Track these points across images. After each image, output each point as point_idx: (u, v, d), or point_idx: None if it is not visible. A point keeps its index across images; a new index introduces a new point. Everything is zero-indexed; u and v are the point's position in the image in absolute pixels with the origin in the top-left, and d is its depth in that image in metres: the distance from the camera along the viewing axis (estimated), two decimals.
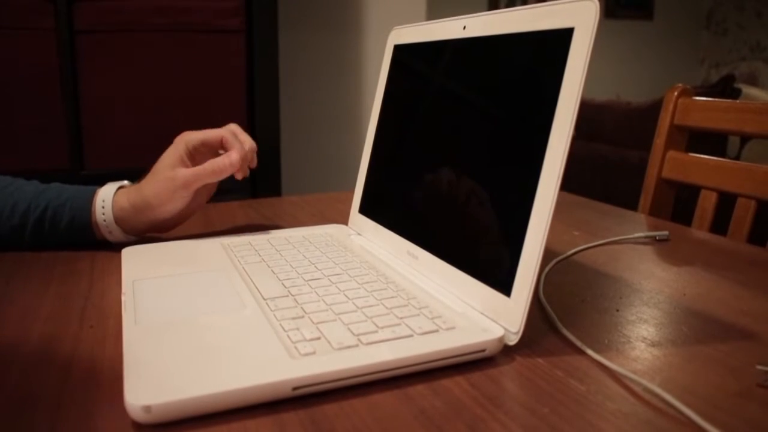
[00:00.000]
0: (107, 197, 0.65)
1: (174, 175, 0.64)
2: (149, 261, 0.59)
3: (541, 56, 0.44)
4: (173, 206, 0.64)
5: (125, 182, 0.68)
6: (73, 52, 1.50)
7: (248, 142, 0.69)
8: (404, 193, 0.61)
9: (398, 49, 0.66)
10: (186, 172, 0.64)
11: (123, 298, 0.50)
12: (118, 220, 0.65)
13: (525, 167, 0.44)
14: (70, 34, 1.50)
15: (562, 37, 0.40)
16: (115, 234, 0.66)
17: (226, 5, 1.59)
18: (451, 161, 0.54)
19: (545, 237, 0.42)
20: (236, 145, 0.67)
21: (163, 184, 0.64)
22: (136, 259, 0.60)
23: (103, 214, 0.65)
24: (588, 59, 0.39)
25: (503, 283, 0.44)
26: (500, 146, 0.48)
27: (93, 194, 0.65)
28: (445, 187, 0.53)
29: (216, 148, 0.68)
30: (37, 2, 1.47)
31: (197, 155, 0.67)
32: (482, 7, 4.69)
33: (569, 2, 0.41)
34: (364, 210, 0.69)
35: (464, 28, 0.53)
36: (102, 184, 0.66)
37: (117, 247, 0.63)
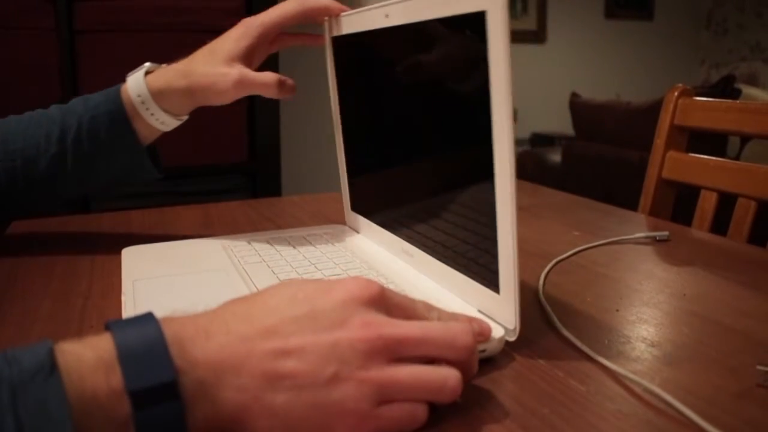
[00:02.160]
0: (137, 83, 0.60)
1: (229, 71, 0.59)
2: (149, 261, 0.59)
3: (463, 41, 0.43)
4: (221, 100, 0.61)
5: (147, 65, 0.63)
6: (73, 52, 1.50)
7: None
8: (385, 188, 0.61)
9: (336, 40, 0.64)
10: (244, 74, 0.60)
11: (123, 298, 0.50)
12: (159, 101, 0.61)
13: (476, 157, 0.44)
14: (70, 34, 1.49)
15: (478, 21, 0.40)
16: (161, 117, 0.61)
17: (226, 5, 1.59)
18: (414, 153, 0.54)
19: (514, 227, 0.42)
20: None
21: (213, 78, 0.60)
22: (136, 259, 0.60)
23: (139, 96, 0.60)
24: (508, 41, 0.38)
25: (491, 280, 0.45)
26: (451, 137, 0.48)
27: (120, 88, 0.61)
28: (418, 180, 0.54)
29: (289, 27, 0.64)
30: (37, 2, 1.47)
31: (264, 39, 0.63)
32: None
33: None
34: (356, 207, 0.69)
35: (387, 16, 0.53)
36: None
37: (117, 247, 0.63)
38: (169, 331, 0.30)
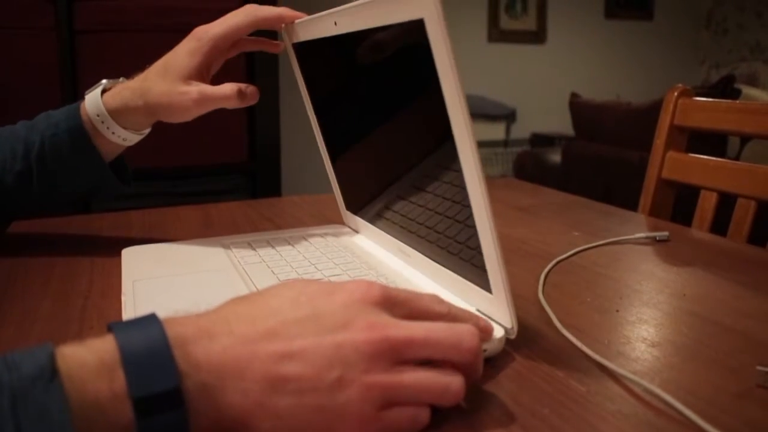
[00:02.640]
0: (95, 102, 0.60)
1: (187, 90, 0.59)
2: (149, 261, 0.59)
3: (409, 47, 0.44)
4: (181, 118, 0.61)
5: (104, 82, 0.62)
6: (73, 52, 1.50)
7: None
8: (372, 188, 0.61)
9: (297, 47, 0.64)
10: (203, 92, 0.59)
11: (123, 299, 0.50)
12: (118, 119, 0.60)
13: (442, 158, 0.44)
14: (70, 34, 1.49)
15: (419, 29, 0.40)
16: (121, 134, 0.61)
17: (226, 5, 1.59)
18: (389, 155, 0.54)
19: (492, 226, 0.41)
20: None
21: (171, 98, 0.59)
22: (136, 259, 0.60)
23: (98, 115, 0.60)
24: (449, 47, 0.39)
25: (483, 280, 0.45)
26: (414, 138, 0.49)
27: (79, 105, 0.61)
28: (401, 182, 0.54)
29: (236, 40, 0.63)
30: (37, 2, 1.47)
31: (217, 52, 0.62)
32: (482, 9, 4.69)
33: None
34: (350, 207, 0.69)
35: (335, 24, 0.53)
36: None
37: (117, 247, 0.63)
38: (171, 333, 0.29)
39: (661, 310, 0.51)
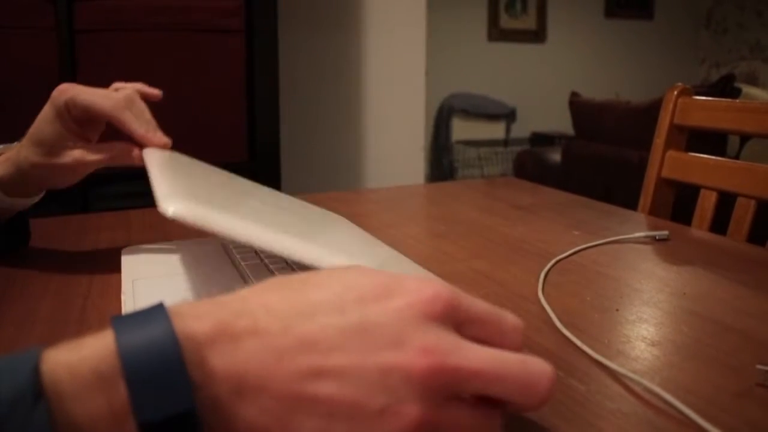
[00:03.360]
0: None
1: (60, 160, 0.55)
2: (149, 261, 0.59)
3: None
4: (66, 184, 0.58)
5: None
6: (73, 52, 1.50)
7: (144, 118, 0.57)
8: None
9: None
10: (79, 159, 0.55)
11: (123, 298, 0.50)
12: (3, 190, 0.57)
13: None
14: (70, 34, 1.49)
15: None
16: (7, 202, 0.58)
17: (226, 5, 1.59)
18: None
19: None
20: (134, 127, 0.56)
21: (48, 170, 0.56)
22: (135, 259, 0.60)
23: None
24: None
25: None
26: None
27: None
28: None
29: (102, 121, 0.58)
30: (37, 2, 1.47)
31: (77, 118, 0.56)
32: (482, 8, 4.69)
33: None
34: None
35: None
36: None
37: (117, 247, 0.63)
38: (183, 332, 0.25)
39: (661, 309, 0.51)
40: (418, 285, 0.28)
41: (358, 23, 2.24)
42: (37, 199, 0.61)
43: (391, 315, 0.27)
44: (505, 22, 4.63)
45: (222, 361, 0.25)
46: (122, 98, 0.57)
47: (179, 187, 0.42)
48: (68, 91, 0.55)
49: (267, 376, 0.25)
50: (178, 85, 1.57)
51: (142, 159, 0.55)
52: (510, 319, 0.31)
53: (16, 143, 0.60)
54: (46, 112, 0.56)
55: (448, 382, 0.26)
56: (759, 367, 0.39)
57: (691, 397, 0.37)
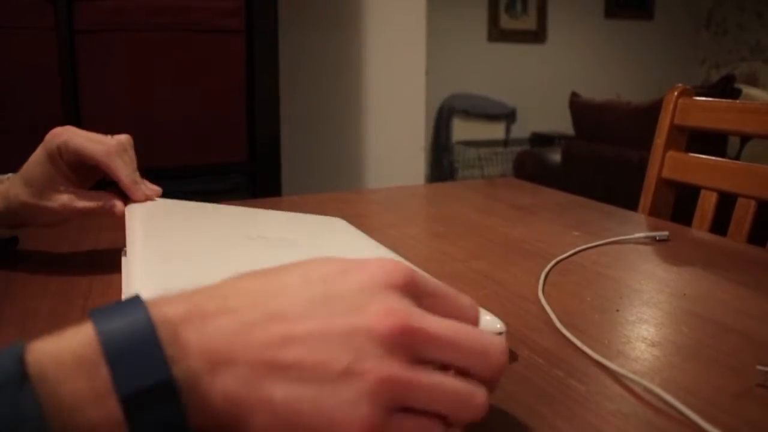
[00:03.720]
0: None
1: (47, 202, 0.55)
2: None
3: None
4: (51, 225, 0.60)
5: None
6: (73, 52, 1.50)
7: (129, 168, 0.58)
8: None
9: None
10: (66, 205, 0.55)
11: (123, 298, 0.50)
12: None
13: None
14: (70, 34, 1.49)
15: None
16: None
17: (226, 5, 1.59)
18: None
19: None
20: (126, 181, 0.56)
21: (36, 210, 0.56)
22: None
23: None
24: None
25: None
26: None
27: None
28: None
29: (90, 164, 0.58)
30: (37, 2, 1.47)
31: (68, 162, 0.57)
32: (482, 8, 4.69)
33: None
34: None
35: None
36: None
37: (117, 247, 0.63)
38: (158, 315, 0.26)
39: (661, 310, 0.51)
40: (379, 261, 0.30)
41: (358, 23, 2.24)
42: (21, 230, 0.62)
43: (355, 286, 0.29)
44: (505, 22, 4.63)
45: (195, 336, 0.26)
46: (114, 145, 0.58)
47: (148, 277, 0.41)
48: (62, 135, 0.56)
49: (238, 348, 0.26)
50: (178, 85, 1.57)
51: (123, 215, 0.55)
52: (466, 297, 0.32)
53: (9, 175, 0.60)
54: (39, 154, 0.56)
55: (410, 342, 0.27)
56: (759, 367, 0.39)
57: (692, 397, 0.37)
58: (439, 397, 0.28)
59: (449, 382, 0.28)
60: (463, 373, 0.29)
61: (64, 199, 0.57)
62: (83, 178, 0.60)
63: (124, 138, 0.61)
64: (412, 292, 0.30)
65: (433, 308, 0.30)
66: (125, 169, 0.58)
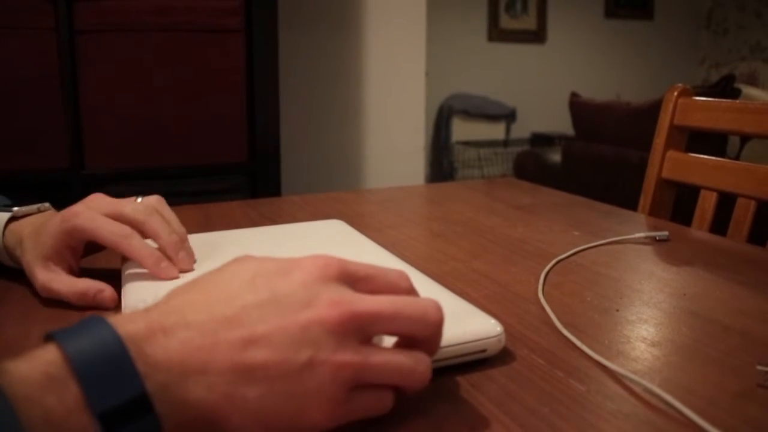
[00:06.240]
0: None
1: (37, 275, 0.52)
2: None
3: None
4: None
5: (15, 210, 0.57)
6: (73, 52, 1.50)
7: (164, 235, 0.53)
8: None
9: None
10: (46, 286, 0.51)
11: (123, 299, 0.50)
12: (8, 251, 0.56)
13: None
14: (70, 34, 1.49)
15: None
16: (5, 260, 0.58)
17: (226, 5, 1.59)
18: None
19: None
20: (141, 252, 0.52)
21: (29, 272, 0.53)
22: None
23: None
24: None
25: None
26: None
27: None
28: None
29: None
30: (37, 2, 1.47)
31: (76, 241, 0.54)
32: (482, 8, 4.69)
33: None
34: None
35: None
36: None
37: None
38: (122, 332, 0.27)
39: (661, 310, 0.51)
40: (310, 258, 0.33)
41: (358, 23, 2.24)
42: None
43: (296, 284, 0.31)
44: (505, 22, 4.63)
45: (161, 351, 0.28)
46: (129, 230, 0.53)
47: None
48: (77, 216, 0.52)
49: (206, 357, 0.28)
50: (178, 85, 1.57)
51: (113, 301, 0.52)
52: (394, 271, 0.36)
53: (40, 206, 0.57)
54: (53, 222, 0.52)
55: (359, 325, 0.31)
56: (759, 367, 0.39)
57: (691, 397, 0.37)
58: (388, 372, 0.32)
59: (395, 358, 0.32)
60: (408, 337, 0.34)
61: (48, 278, 0.52)
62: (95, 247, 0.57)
63: (153, 200, 0.57)
64: (347, 280, 0.33)
65: (369, 290, 0.34)
66: (143, 250, 0.52)
